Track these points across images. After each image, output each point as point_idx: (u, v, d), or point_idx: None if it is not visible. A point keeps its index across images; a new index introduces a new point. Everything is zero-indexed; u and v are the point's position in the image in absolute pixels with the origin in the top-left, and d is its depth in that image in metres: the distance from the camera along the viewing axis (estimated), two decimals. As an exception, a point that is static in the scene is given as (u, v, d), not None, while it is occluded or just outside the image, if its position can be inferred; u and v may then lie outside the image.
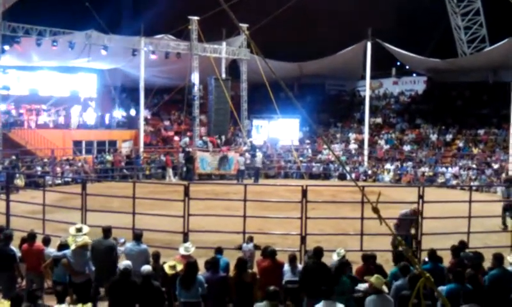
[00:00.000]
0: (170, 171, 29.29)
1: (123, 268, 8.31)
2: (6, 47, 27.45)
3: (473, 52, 35.05)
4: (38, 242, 10.19)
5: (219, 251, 9.98)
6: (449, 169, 29.67)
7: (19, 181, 23.20)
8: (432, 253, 9.45)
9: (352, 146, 34.26)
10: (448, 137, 33.02)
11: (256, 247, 10.86)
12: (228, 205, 14.89)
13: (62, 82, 33.57)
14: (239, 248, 10.81)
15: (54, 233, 12.19)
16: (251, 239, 11.13)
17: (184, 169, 29.56)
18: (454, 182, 28.04)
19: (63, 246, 9.65)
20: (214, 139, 31.42)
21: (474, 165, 29.19)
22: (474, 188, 23.53)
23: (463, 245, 10.24)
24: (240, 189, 13.24)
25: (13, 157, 25.49)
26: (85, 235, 9.86)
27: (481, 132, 32.21)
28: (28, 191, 20.03)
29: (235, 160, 29.77)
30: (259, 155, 30.06)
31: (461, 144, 31.95)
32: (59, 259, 9.41)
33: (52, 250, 10.02)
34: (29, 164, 26.72)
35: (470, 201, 13.05)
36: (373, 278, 7.79)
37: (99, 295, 9.63)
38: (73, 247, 9.25)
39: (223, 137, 32.31)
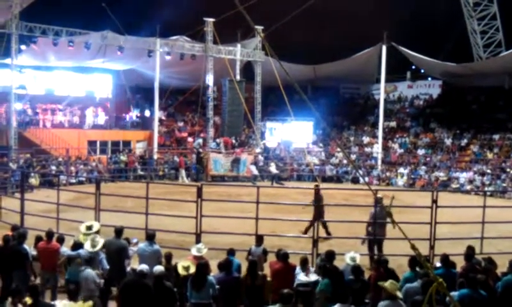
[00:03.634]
0: (183, 172, 29.35)
1: (138, 270, 8.28)
2: (23, 47, 27.81)
3: (489, 57, 34.77)
4: (54, 241, 10.26)
5: (231, 252, 9.95)
6: (463, 174, 29.44)
7: (34, 180, 23.39)
8: (445, 258, 9.37)
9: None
10: (463, 141, 32.77)
11: (266, 251, 10.75)
12: (241, 207, 14.85)
13: (78, 82, 33.89)
14: (248, 253, 10.65)
15: (67, 232, 12.26)
16: (259, 241, 10.82)
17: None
18: (468, 187, 27.81)
19: (77, 245, 9.71)
20: (229, 139, 31.40)
21: (489, 171, 28.94)
22: (488, 193, 23.22)
23: (472, 250, 10.14)
24: (253, 191, 13.20)
25: (28, 156, 25.69)
26: (96, 233, 9.91)
27: (496, 137, 31.95)
28: (42, 190, 20.09)
29: (247, 162, 29.76)
30: (272, 164, 29.94)
31: (475, 149, 31.69)
32: (73, 258, 9.47)
33: (65, 249, 10.09)
34: (44, 163, 26.92)
35: (484, 207, 12.94)
36: (387, 283, 7.51)
37: (110, 294, 9.68)
38: (89, 248, 9.32)
39: (238, 138, 32.32)
